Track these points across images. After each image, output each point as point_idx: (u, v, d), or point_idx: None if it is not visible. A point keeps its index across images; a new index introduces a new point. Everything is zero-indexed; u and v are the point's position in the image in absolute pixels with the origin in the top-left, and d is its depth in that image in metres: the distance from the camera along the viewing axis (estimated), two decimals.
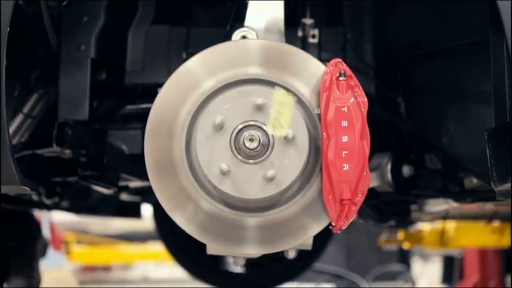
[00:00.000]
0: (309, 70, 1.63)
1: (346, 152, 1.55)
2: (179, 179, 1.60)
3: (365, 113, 1.58)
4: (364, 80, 2.17)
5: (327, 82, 1.59)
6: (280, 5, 1.89)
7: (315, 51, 2.24)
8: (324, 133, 1.56)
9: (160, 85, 1.70)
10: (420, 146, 2.40)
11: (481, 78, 1.88)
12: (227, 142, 1.56)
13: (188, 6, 2.41)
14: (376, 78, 2.27)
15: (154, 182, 1.61)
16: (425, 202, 2.98)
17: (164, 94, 1.63)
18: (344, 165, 1.55)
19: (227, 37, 1.95)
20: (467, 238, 5.53)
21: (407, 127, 2.31)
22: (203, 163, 1.56)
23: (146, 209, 4.47)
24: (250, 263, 4.24)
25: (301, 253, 4.13)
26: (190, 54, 2.15)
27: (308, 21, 2.17)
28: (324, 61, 1.66)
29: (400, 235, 5.73)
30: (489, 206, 3.01)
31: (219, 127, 1.56)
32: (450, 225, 5.45)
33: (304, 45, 2.21)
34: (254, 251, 1.62)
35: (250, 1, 1.89)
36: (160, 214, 4.42)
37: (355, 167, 1.56)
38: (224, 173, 1.55)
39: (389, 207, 3.02)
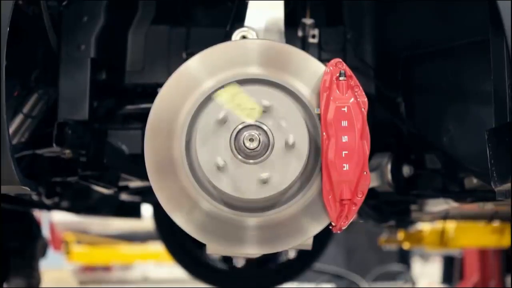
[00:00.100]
0: (309, 70, 1.63)
1: (346, 152, 1.55)
2: (179, 179, 1.60)
3: (365, 113, 1.58)
4: (364, 80, 2.17)
5: (327, 82, 1.59)
6: (280, 5, 1.89)
7: (315, 51, 2.24)
8: (324, 133, 1.56)
9: (160, 85, 1.70)
10: (420, 146, 2.40)
11: (481, 78, 1.88)
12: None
13: (188, 6, 2.41)
14: (376, 78, 2.27)
15: (154, 182, 1.61)
16: (425, 202, 2.98)
17: (164, 94, 1.63)
18: (344, 165, 1.55)
19: (227, 37, 1.95)
20: (467, 238, 5.53)
21: (407, 127, 2.31)
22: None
23: (146, 209, 4.47)
24: (250, 263, 4.24)
25: (301, 253, 4.14)
26: (190, 54, 2.15)
27: (308, 21, 2.17)
28: (324, 61, 1.66)
29: (400, 235, 5.73)
30: (489, 206, 3.01)
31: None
32: (450, 225, 5.45)
33: (304, 45, 2.21)
34: (254, 251, 1.62)
35: (250, 1, 1.89)
36: (160, 214, 4.42)
37: (355, 167, 1.56)
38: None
39: (389, 207, 3.02)
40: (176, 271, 6.11)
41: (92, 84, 2.13)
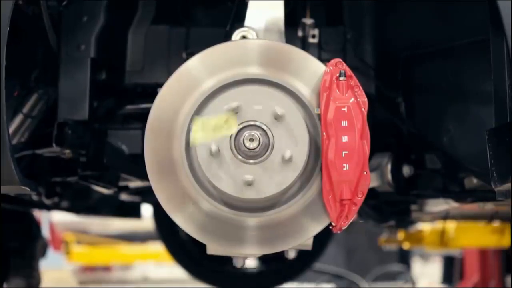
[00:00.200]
0: (309, 70, 1.63)
1: (346, 152, 1.55)
2: (179, 179, 1.60)
3: (365, 113, 1.58)
4: (364, 80, 2.17)
5: (327, 82, 1.59)
6: (280, 5, 1.89)
7: (315, 51, 2.24)
8: (324, 133, 1.56)
9: (160, 85, 1.70)
10: (420, 146, 2.40)
11: (481, 78, 1.88)
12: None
13: (188, 6, 2.41)
14: (376, 78, 2.27)
15: (154, 182, 1.61)
16: (425, 202, 2.97)
17: (164, 94, 1.62)
18: (344, 165, 1.55)
19: (227, 37, 1.95)
20: (467, 238, 5.53)
21: (407, 127, 2.31)
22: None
23: (146, 209, 4.47)
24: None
25: (301, 253, 4.13)
26: (190, 54, 2.15)
27: (308, 21, 2.17)
28: (324, 61, 1.66)
29: (400, 235, 5.73)
30: (489, 206, 3.01)
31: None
32: (450, 225, 5.45)
33: (304, 45, 2.21)
34: (254, 251, 1.62)
35: (250, 1, 1.89)
36: (160, 214, 4.42)
37: (355, 167, 1.55)
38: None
39: (389, 207, 3.02)
40: (176, 271, 6.11)
41: (92, 84, 2.13)
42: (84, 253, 9.44)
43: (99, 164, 2.25)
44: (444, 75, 2.10)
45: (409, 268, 8.54)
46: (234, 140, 1.56)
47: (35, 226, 4.08)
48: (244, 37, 1.81)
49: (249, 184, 1.54)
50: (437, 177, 2.42)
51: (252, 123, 1.57)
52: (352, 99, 1.58)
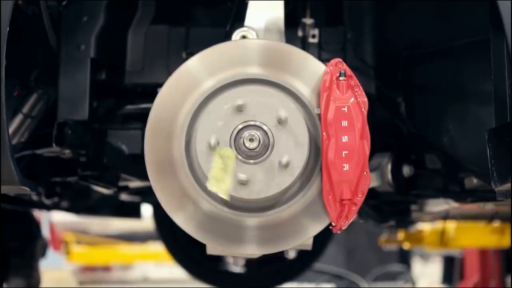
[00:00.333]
0: (309, 70, 1.63)
1: (346, 152, 1.55)
2: (179, 179, 1.59)
3: (365, 113, 1.58)
4: (364, 80, 2.17)
5: (327, 82, 1.59)
6: (280, 5, 1.89)
7: (315, 51, 2.24)
8: (324, 133, 1.56)
9: (160, 85, 1.70)
10: (420, 146, 2.40)
11: (481, 78, 1.88)
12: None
13: (188, 6, 2.41)
14: (376, 78, 2.27)
15: (154, 182, 1.61)
16: (425, 202, 2.97)
17: (164, 94, 1.62)
18: (344, 165, 1.55)
19: (227, 37, 1.95)
20: (467, 238, 5.53)
21: (407, 127, 2.31)
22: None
23: (146, 209, 4.47)
24: (250, 263, 4.24)
25: (301, 253, 4.13)
26: (190, 54, 2.15)
27: (308, 21, 2.17)
28: (324, 61, 1.66)
29: (400, 235, 5.73)
30: (489, 206, 3.01)
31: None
32: (451, 225, 5.45)
33: (304, 45, 2.21)
34: (254, 251, 1.62)
35: (250, 1, 1.89)
36: (160, 214, 4.42)
37: (355, 167, 1.55)
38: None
39: (389, 207, 3.02)
40: (176, 271, 6.11)
41: (92, 84, 2.13)
42: (84, 253, 9.44)
43: (99, 164, 2.25)
44: (444, 75, 2.10)
45: (409, 268, 8.54)
46: (234, 139, 1.56)
47: (35, 226, 4.08)
48: (244, 37, 1.81)
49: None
50: (437, 177, 2.42)
51: (252, 123, 1.57)
52: (352, 99, 1.58)
